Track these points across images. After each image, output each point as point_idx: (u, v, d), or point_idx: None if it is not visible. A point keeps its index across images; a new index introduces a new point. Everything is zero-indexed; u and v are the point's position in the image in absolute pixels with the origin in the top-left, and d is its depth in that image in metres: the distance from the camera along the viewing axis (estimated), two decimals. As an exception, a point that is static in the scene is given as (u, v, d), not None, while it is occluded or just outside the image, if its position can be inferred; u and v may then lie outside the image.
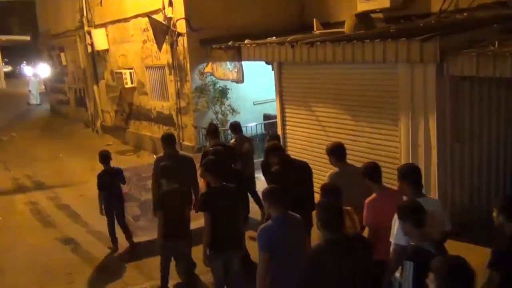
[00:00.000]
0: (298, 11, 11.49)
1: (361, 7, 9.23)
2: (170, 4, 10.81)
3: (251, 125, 10.77)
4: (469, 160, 6.98)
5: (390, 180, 7.43)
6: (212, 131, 7.22)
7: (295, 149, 9.22)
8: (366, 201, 4.55)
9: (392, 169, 7.34)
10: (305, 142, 9.03)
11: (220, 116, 10.84)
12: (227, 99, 10.88)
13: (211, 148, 6.76)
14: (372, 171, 4.62)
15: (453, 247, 6.36)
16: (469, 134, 6.91)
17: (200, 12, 10.52)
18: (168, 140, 6.65)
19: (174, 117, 11.72)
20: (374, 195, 4.55)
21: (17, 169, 13.17)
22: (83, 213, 8.91)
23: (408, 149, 7.00)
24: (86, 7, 15.51)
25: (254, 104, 11.23)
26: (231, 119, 10.87)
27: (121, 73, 13.50)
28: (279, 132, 9.55)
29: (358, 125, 7.88)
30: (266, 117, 11.08)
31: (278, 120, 9.58)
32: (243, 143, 7.74)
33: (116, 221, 7.36)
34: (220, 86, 10.81)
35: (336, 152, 5.30)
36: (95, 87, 16.38)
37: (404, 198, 4.28)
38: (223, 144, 7.35)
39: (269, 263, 4.07)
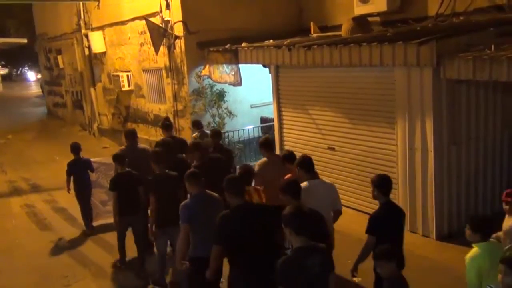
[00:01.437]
0: (295, 15, 11.52)
1: (358, 11, 9.25)
2: (168, 7, 10.81)
3: (248, 128, 10.78)
4: (466, 162, 7.00)
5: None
6: (165, 125, 8.17)
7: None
8: (286, 177, 5.52)
9: (389, 172, 7.37)
10: (302, 145, 9.04)
11: (217, 119, 10.83)
12: (224, 102, 10.88)
13: (161, 139, 7.94)
14: (290, 156, 5.90)
15: (451, 250, 6.40)
16: (466, 137, 6.94)
17: (197, 15, 10.52)
18: (130, 135, 7.75)
19: (171, 120, 11.70)
20: (290, 175, 5.55)
21: (13, 172, 13.14)
22: (79, 216, 8.86)
23: (405, 152, 7.01)
24: (83, 10, 15.48)
25: (251, 107, 11.23)
26: (228, 122, 10.90)
27: (118, 76, 13.49)
28: (276, 135, 9.57)
29: (355, 128, 7.90)
30: (263, 120, 11.08)
31: (275, 123, 9.59)
32: (203, 138, 8.45)
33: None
34: (217, 89, 10.81)
35: (266, 145, 6.39)
36: (92, 90, 16.36)
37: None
38: (174, 137, 8.28)
39: (188, 233, 4.88)
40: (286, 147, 9.39)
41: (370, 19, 9.15)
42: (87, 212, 8.38)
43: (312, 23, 10.19)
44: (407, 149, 6.99)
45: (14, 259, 7.62)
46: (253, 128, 10.82)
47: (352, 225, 7.20)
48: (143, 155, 7.22)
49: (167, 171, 6.07)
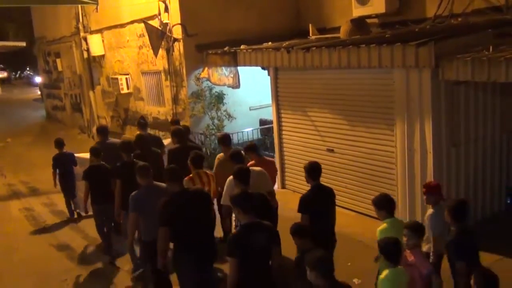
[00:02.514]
0: (294, 17, 11.54)
1: (357, 13, 9.27)
2: (166, 9, 10.82)
3: (247, 131, 10.77)
4: (465, 164, 6.99)
5: (386, 184, 7.46)
6: (141, 124, 8.87)
7: (292, 153, 9.23)
8: (248, 164, 6.20)
9: (388, 174, 7.39)
10: (301, 147, 9.03)
11: (216, 121, 10.84)
12: (223, 105, 10.89)
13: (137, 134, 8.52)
14: (250, 147, 6.66)
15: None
16: (465, 138, 6.93)
17: (196, 17, 10.53)
18: (102, 131, 8.64)
19: (170, 123, 11.69)
20: (252, 161, 6.38)
21: (12, 175, 13.12)
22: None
23: (404, 154, 7.01)
24: (82, 13, 15.50)
25: (250, 110, 11.24)
26: (227, 124, 10.91)
27: (117, 78, 13.50)
28: (276, 137, 9.56)
29: (354, 130, 7.89)
30: (262, 122, 11.09)
31: (274, 125, 9.58)
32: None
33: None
34: (216, 92, 10.81)
35: (223, 141, 7.10)
36: (91, 93, 16.37)
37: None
38: (150, 134, 8.97)
39: (135, 221, 5.50)
40: (285, 149, 9.40)
41: (368, 21, 9.15)
42: (70, 202, 9.09)
43: (310, 25, 10.20)
44: (406, 150, 6.98)
45: (13, 262, 7.61)
46: (252, 130, 10.81)
47: (351, 227, 7.20)
48: (112, 148, 7.78)
49: (134, 160, 6.59)
